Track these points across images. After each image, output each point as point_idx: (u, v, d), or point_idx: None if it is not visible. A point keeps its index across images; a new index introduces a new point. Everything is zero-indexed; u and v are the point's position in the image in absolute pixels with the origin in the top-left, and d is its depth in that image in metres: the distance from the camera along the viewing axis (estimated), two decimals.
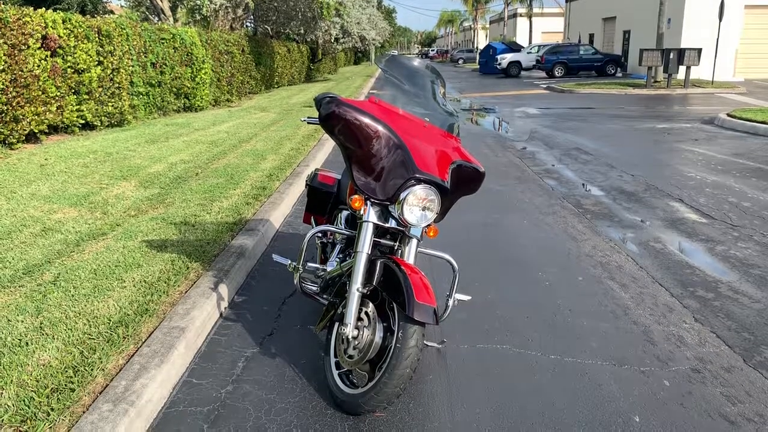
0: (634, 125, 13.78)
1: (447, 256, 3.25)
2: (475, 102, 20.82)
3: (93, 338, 3.13)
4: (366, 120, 2.76)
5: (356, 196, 2.93)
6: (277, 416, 2.83)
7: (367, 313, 2.88)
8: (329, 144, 10.24)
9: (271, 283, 4.33)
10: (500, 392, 3.15)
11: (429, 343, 3.44)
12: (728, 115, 13.49)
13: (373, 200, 2.92)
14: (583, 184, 8.12)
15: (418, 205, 2.87)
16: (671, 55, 22.79)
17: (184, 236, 4.80)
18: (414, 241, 3.02)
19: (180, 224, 5.13)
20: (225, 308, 3.89)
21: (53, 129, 10.03)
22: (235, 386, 3.06)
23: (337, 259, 3.42)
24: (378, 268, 2.87)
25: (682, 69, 23.06)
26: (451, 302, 3.24)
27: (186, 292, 3.78)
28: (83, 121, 10.50)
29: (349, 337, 2.81)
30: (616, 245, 5.63)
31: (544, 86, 27.09)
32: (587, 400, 3.12)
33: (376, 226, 2.96)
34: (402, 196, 2.84)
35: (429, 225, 3.00)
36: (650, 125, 13.72)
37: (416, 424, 2.84)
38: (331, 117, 2.76)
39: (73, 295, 3.64)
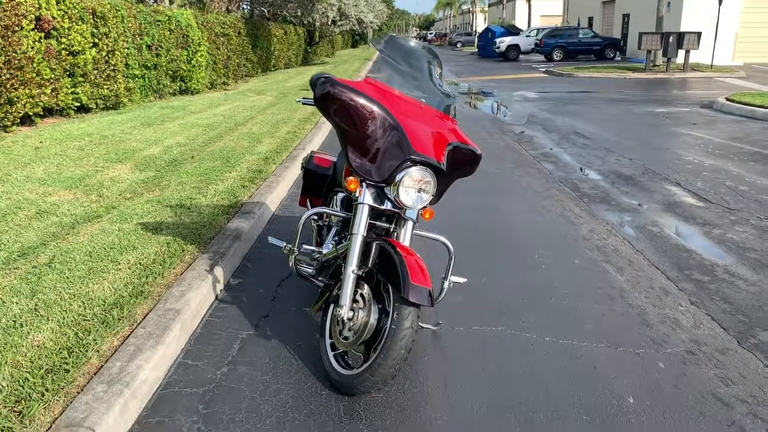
0: (632, 109, 13.75)
1: (442, 239, 3.24)
2: (474, 86, 20.74)
3: (88, 320, 3.12)
4: (361, 100, 2.73)
5: (351, 177, 2.91)
6: (272, 397, 2.84)
7: (362, 295, 2.88)
8: (326, 127, 10.21)
9: (266, 266, 4.32)
10: (496, 373, 3.15)
11: (424, 325, 3.45)
12: (727, 99, 13.46)
13: (368, 182, 2.90)
14: (581, 168, 8.10)
15: (413, 187, 2.86)
16: (670, 39, 22.68)
17: (179, 219, 4.79)
18: (410, 224, 3.01)
19: (175, 207, 5.11)
20: (221, 290, 3.88)
21: (48, 112, 9.97)
22: (230, 368, 3.06)
23: (333, 242, 3.41)
24: (373, 250, 2.86)
25: (681, 53, 22.96)
26: (446, 284, 3.23)
27: (181, 274, 3.77)
28: (78, 104, 10.44)
29: (345, 318, 2.81)
30: (613, 229, 5.63)
31: (543, 70, 26.98)
32: (582, 381, 3.13)
33: (372, 208, 2.95)
34: (398, 177, 2.83)
35: (425, 207, 2.99)
36: (649, 109, 13.68)
37: (412, 405, 2.85)
38: (326, 97, 2.74)
39: (68, 277, 3.63)
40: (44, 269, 3.78)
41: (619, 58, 31.51)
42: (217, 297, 3.80)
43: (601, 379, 3.17)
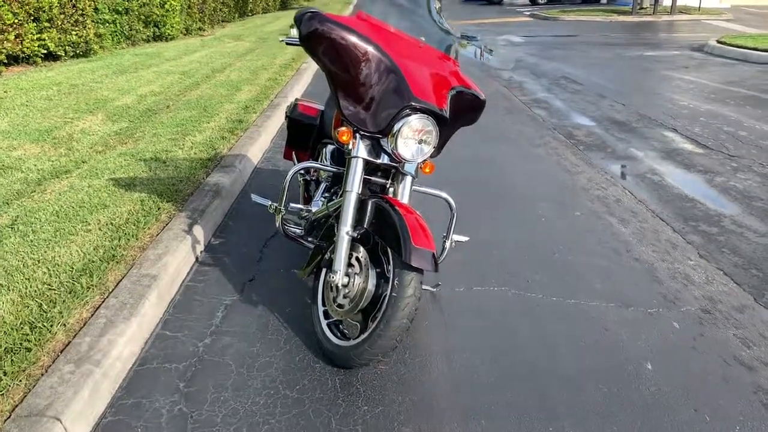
0: (621, 53, 13.38)
1: (444, 195, 2.96)
2: (457, 30, 20.12)
3: (53, 289, 2.82)
4: (353, 39, 2.40)
5: (343, 128, 2.59)
6: (261, 371, 2.58)
7: (358, 259, 2.60)
8: (309, 73, 9.75)
9: (250, 223, 4.02)
10: (500, 339, 2.92)
11: (423, 287, 3.20)
12: (718, 41, 13.12)
13: (362, 133, 2.60)
14: (574, 114, 7.81)
15: (413, 138, 2.55)
16: None
17: (154, 174, 4.44)
18: (408, 179, 2.72)
19: (150, 161, 4.76)
20: (201, 252, 3.58)
21: (13, 59, 9.39)
22: (213, 339, 2.80)
23: (323, 198, 3.12)
24: (369, 209, 2.57)
25: None
26: (448, 244, 2.97)
27: (157, 235, 3.46)
28: (46, 51, 9.84)
29: (339, 285, 2.54)
30: (612, 178, 5.39)
31: (528, 13, 26.33)
32: (594, 346, 2.91)
33: (367, 162, 2.65)
34: (396, 127, 2.52)
35: (425, 160, 2.69)
36: (638, 53, 13.32)
37: (412, 377, 2.62)
38: (314, 36, 2.40)
39: (32, 241, 3.31)
40: (6, 232, 3.45)
41: (605, 1, 30.81)
42: (197, 259, 3.51)
43: (615, 342, 2.95)
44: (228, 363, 2.63)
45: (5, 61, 8.97)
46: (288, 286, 3.24)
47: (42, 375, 2.27)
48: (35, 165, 4.84)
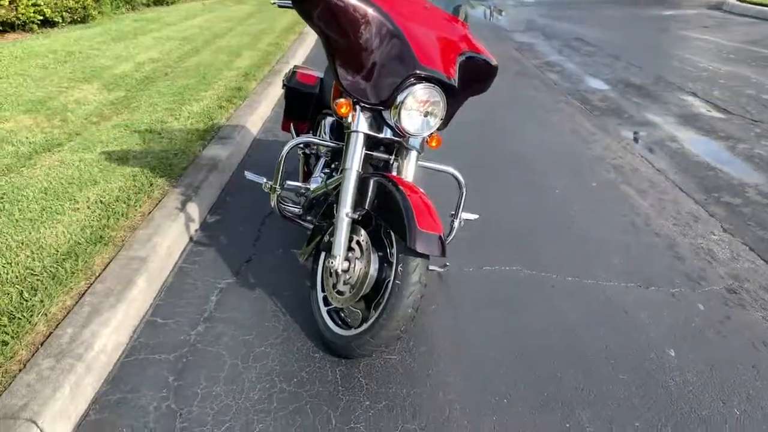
0: (637, 13, 12.94)
1: (452, 170, 2.74)
2: None
3: (36, 274, 2.64)
4: (351, 0, 2.16)
5: (342, 99, 2.37)
6: (256, 362, 2.41)
7: (359, 242, 2.40)
8: (312, 37, 9.44)
9: (248, 200, 3.82)
10: (512, 323, 2.74)
11: (430, 268, 3.00)
12: None
13: (363, 104, 2.37)
14: (588, 78, 7.50)
15: (418, 110, 2.33)
16: None
17: (148, 147, 4.24)
18: (413, 154, 2.50)
19: (145, 132, 4.55)
20: (195, 231, 3.40)
21: (9, 26, 9.13)
22: (206, 326, 2.62)
23: (322, 175, 2.91)
24: (371, 188, 2.37)
25: None
26: (456, 223, 2.76)
27: (149, 213, 3.28)
28: (42, 18, 9.56)
29: (339, 271, 2.35)
30: (628, 145, 5.15)
31: None
32: (613, 330, 2.72)
33: (368, 137, 2.43)
34: (399, 98, 2.29)
35: (432, 134, 2.47)
36: (654, 12, 12.88)
37: (419, 367, 2.44)
38: None
39: (17, 220, 3.13)
40: None
41: None
42: (191, 239, 3.32)
43: (635, 326, 2.76)
44: (221, 353, 2.46)
45: (0, 28, 8.72)
46: (287, 267, 3.06)
47: (19, 371, 2.11)
48: (27, 138, 4.64)
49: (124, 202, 3.34)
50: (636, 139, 5.31)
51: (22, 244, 2.89)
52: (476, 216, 2.94)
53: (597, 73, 7.71)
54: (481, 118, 5.63)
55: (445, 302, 2.87)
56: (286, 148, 2.62)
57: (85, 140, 4.48)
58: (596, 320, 2.79)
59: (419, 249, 2.12)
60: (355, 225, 2.41)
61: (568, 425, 2.19)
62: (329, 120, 2.96)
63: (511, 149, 4.95)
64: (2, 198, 3.43)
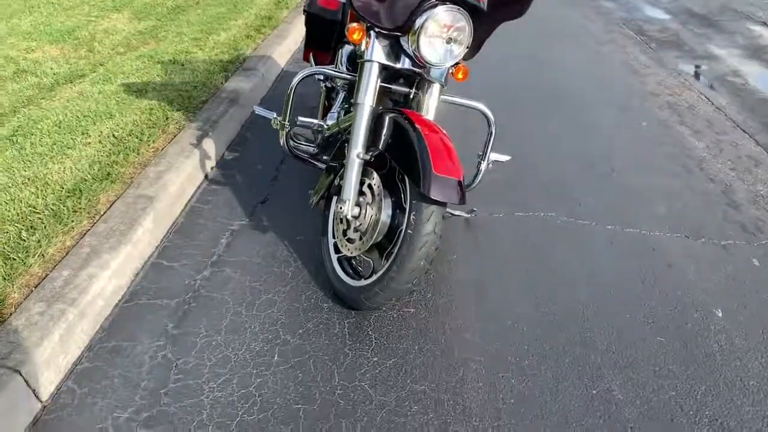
0: None
1: (480, 106, 2.47)
2: None
3: (37, 212, 2.53)
4: None
5: (355, 24, 2.11)
6: (261, 312, 2.26)
7: (370, 186, 2.19)
8: None
9: (269, 136, 3.60)
10: (542, 276, 2.52)
11: (455, 212, 2.79)
12: None
13: (378, 30, 2.11)
14: (646, 6, 6.94)
15: (440, 36, 2.05)
16: None
17: (169, 78, 4.06)
18: (435, 87, 2.24)
19: (168, 63, 4.36)
20: (211, 168, 3.23)
21: None
22: (213, 270, 2.48)
23: (340, 110, 2.69)
24: (386, 126, 2.13)
25: None
26: (484, 165, 2.51)
27: (162, 149, 3.12)
28: None
29: (348, 217, 2.15)
30: (686, 80, 4.73)
31: None
32: (654, 285, 2.48)
33: (384, 68, 2.18)
34: (418, 23, 2.02)
35: (457, 64, 2.20)
36: None
37: (435, 321, 2.25)
38: None
39: (27, 154, 3.01)
40: (4, 144, 3.16)
41: None
42: (206, 176, 3.16)
43: (679, 282, 2.51)
44: (226, 300, 2.31)
45: None
46: (303, 210, 2.87)
47: (10, 315, 2.00)
48: (51, 69, 4.52)
49: (137, 137, 3.18)
50: (697, 74, 4.87)
51: (28, 180, 2.78)
52: (508, 157, 2.68)
53: (656, 2, 7.13)
54: (523, 51, 5.25)
55: (471, 251, 2.66)
56: (295, 81, 2.39)
57: (107, 71, 4.32)
58: (636, 274, 2.54)
59: (434, 196, 1.90)
60: (367, 167, 2.20)
61: (594, 392, 1.99)
62: (347, 49, 2.69)
63: (554, 85, 4.59)
64: (17, 131, 3.32)
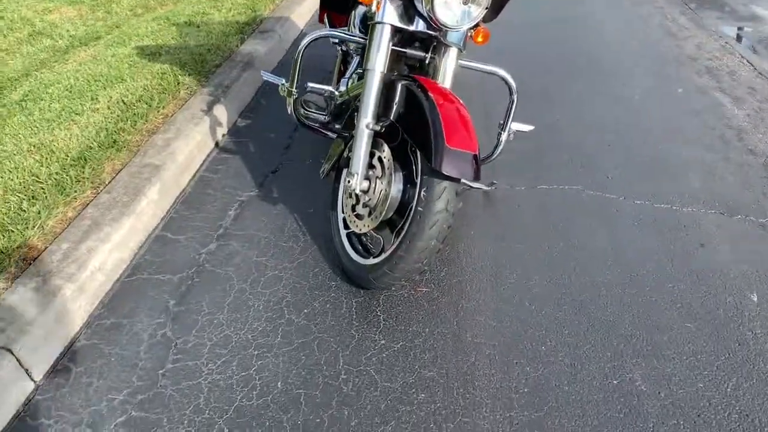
0: None
1: (501, 72, 2.29)
2: None
3: (40, 181, 2.45)
4: None
5: None
6: (266, 288, 2.17)
7: (381, 159, 2.06)
8: None
9: (285, 102, 3.48)
10: (564, 254, 2.37)
11: (474, 185, 2.63)
12: None
13: None
14: None
15: None
16: None
17: (184, 41, 3.93)
18: (452, 52, 2.08)
19: (183, 25, 4.23)
20: (223, 136, 3.12)
21: None
22: (219, 244, 2.39)
23: (354, 76, 2.54)
24: (398, 94, 1.99)
25: None
26: (504, 136, 2.35)
27: (171, 115, 3.01)
28: None
29: (357, 191, 2.02)
30: (727, 44, 4.45)
31: None
32: (685, 267, 2.32)
33: (397, 30, 2.02)
34: None
35: (476, 26, 2.04)
36: None
37: (448, 302, 2.14)
38: None
39: (35, 121, 2.94)
40: (13, 109, 3.09)
41: None
42: (216, 144, 3.06)
43: (712, 263, 2.35)
44: (230, 276, 2.22)
45: None
46: (315, 181, 2.75)
47: (4, 291, 1.94)
48: (67, 31, 4.43)
49: (147, 103, 3.08)
50: (739, 37, 4.59)
51: (34, 147, 2.70)
52: (531, 127, 2.51)
53: None
54: (550, 11, 5.00)
55: (489, 226, 2.52)
56: (303, 44, 2.25)
57: (123, 33, 4.21)
58: (664, 254, 2.38)
59: (446, 171, 1.76)
60: (378, 138, 2.06)
61: (615, 382, 1.86)
62: (360, 10, 2.54)
63: (585, 49, 4.36)
64: (27, 96, 3.25)
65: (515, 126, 2.41)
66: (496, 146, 2.37)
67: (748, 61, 4.16)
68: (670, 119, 3.38)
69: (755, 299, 2.18)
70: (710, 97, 3.64)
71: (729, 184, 2.82)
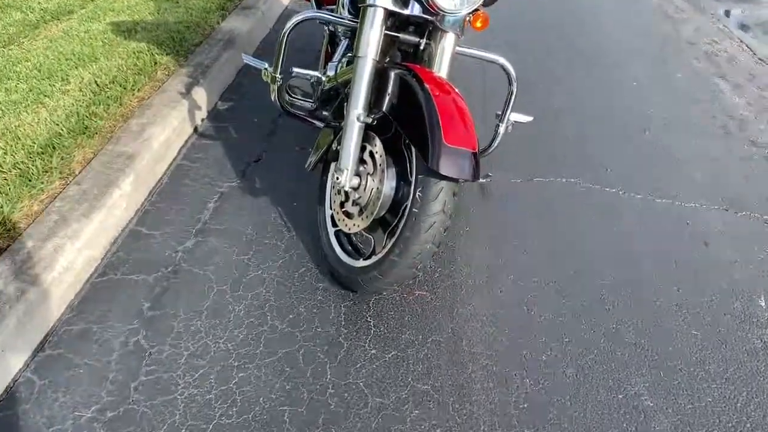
0: None
1: (501, 60, 2.14)
2: None
3: (3, 171, 2.27)
4: None
5: None
6: (248, 291, 2.03)
7: (372, 154, 1.91)
8: None
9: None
10: (565, 252, 2.26)
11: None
12: None
13: None
14: None
15: None
16: None
17: (162, 17, 3.72)
18: (450, 37, 1.93)
19: (162, 0, 4.01)
20: (202, 120, 2.95)
21: None
22: (197, 240, 2.23)
23: (344, 60, 2.37)
24: (391, 83, 1.83)
25: None
26: (502, 128, 2.21)
27: (147, 99, 2.83)
28: None
29: (346, 188, 1.88)
30: (726, 27, 4.32)
31: None
32: (688, 267, 2.22)
33: (390, 14, 1.86)
34: None
35: (475, 10, 1.88)
36: None
37: (442, 306, 2.01)
38: None
39: (0, 103, 2.74)
40: None
41: None
42: (195, 130, 2.88)
43: (717, 264, 2.24)
44: (209, 276, 2.08)
45: None
46: (301, 171, 2.59)
47: None
48: (39, 4, 4.18)
49: (121, 85, 2.89)
50: (742, 24, 4.46)
51: None
52: (529, 118, 2.37)
53: None
54: None
55: (484, 222, 2.39)
56: (288, 27, 2.08)
57: (97, 8, 3.99)
58: (667, 253, 2.27)
59: (444, 171, 1.63)
60: (369, 131, 1.91)
61: (620, 396, 1.75)
62: None
63: (581, 33, 4.21)
64: None
65: (514, 117, 2.26)
66: (494, 138, 2.23)
67: (746, 45, 4.04)
68: (669, 106, 3.26)
69: (763, 304, 2.08)
70: (710, 84, 3.53)
71: (732, 177, 2.71)
